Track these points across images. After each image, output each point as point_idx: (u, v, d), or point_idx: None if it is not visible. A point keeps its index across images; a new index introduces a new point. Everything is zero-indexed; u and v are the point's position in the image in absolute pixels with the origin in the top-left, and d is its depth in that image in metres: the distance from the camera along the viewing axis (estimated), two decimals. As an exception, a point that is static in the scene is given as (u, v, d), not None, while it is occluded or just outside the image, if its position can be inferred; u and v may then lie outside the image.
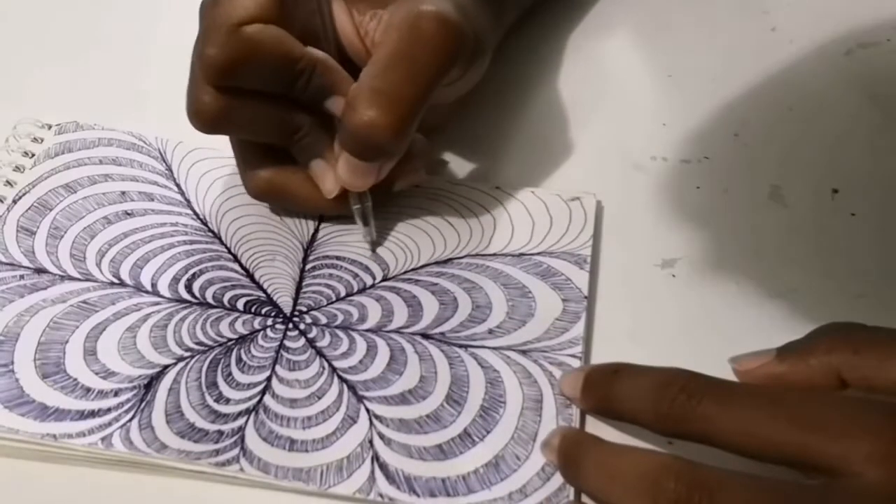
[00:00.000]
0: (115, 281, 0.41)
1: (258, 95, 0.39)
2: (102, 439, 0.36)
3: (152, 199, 0.45)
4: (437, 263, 0.43)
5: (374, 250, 0.43)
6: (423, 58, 0.38)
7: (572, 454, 0.35)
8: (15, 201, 0.44)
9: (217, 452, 0.36)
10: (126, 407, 0.37)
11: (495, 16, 0.46)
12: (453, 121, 0.47)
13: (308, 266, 0.43)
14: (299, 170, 0.42)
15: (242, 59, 0.38)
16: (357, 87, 0.39)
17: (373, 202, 0.42)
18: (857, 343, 0.34)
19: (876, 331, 0.35)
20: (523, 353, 0.39)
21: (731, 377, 0.36)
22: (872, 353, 0.34)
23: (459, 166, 0.47)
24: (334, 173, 0.41)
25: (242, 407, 0.37)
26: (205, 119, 0.39)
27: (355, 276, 0.42)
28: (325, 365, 0.39)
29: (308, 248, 0.43)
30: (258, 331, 0.40)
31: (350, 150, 0.39)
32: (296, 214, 0.44)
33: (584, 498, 0.35)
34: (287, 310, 0.41)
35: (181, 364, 0.39)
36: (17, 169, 0.45)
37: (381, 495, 0.35)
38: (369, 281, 0.42)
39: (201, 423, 0.37)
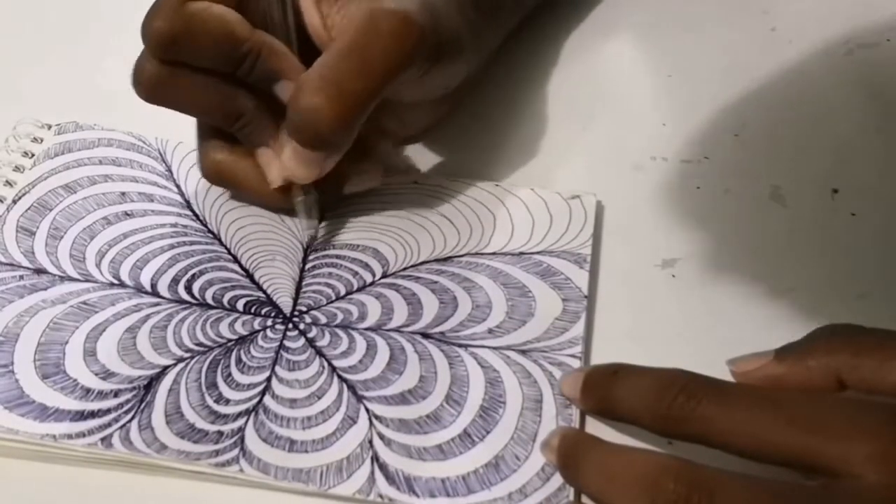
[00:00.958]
0: (115, 282, 0.41)
1: (202, 73, 0.40)
2: (102, 440, 0.36)
3: (152, 200, 0.45)
4: (436, 261, 0.43)
5: (309, 245, 0.43)
6: (375, 54, 0.38)
7: (572, 454, 0.35)
8: (15, 201, 0.44)
9: (217, 453, 0.36)
10: (126, 408, 0.37)
11: (490, 18, 0.45)
12: (442, 122, 0.47)
13: (308, 266, 0.43)
14: (249, 157, 0.42)
15: (182, 35, 0.38)
16: (307, 73, 0.39)
17: (324, 203, 0.42)
18: (856, 345, 0.34)
19: (875, 332, 0.35)
20: (523, 352, 0.39)
21: (731, 378, 0.36)
22: (871, 354, 0.34)
23: (460, 164, 0.47)
24: (279, 162, 0.41)
25: (242, 408, 0.37)
26: (144, 88, 0.40)
27: (355, 274, 0.42)
28: (325, 364, 0.39)
29: (308, 248, 0.43)
30: (258, 331, 0.40)
31: (294, 135, 0.39)
32: (295, 214, 0.44)
33: (584, 498, 0.35)
34: (287, 310, 0.41)
35: (181, 365, 0.39)
36: (17, 169, 0.45)
37: (380, 496, 0.35)
38: (369, 278, 0.42)
39: (201, 424, 0.37)
